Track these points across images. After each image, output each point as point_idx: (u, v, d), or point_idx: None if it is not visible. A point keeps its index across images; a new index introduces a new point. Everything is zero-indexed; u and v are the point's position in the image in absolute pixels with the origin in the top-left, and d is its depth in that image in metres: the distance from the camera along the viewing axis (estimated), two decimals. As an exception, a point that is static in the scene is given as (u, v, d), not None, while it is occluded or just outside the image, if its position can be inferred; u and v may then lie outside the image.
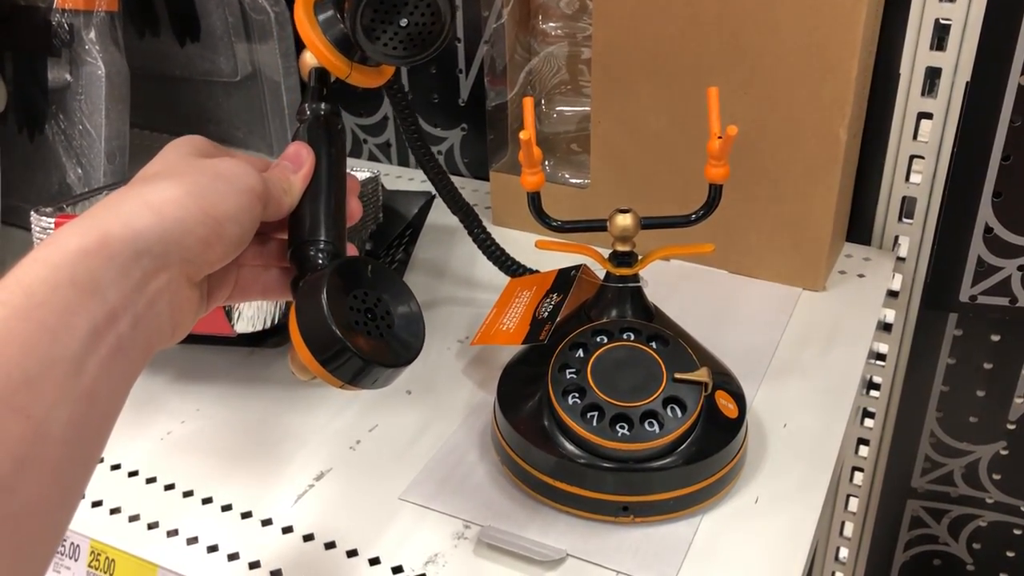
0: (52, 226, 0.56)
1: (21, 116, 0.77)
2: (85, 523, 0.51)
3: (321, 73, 0.46)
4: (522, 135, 0.50)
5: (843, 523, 0.94)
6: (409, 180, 0.94)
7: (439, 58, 0.89)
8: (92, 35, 0.72)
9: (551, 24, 0.77)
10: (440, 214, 0.85)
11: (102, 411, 0.33)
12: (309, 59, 0.46)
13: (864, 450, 0.88)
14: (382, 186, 0.73)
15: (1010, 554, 0.87)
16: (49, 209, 0.58)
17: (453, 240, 0.80)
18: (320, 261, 0.41)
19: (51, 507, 0.31)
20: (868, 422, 0.86)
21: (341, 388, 0.39)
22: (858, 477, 0.90)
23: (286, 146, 0.44)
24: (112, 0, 0.73)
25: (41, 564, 0.31)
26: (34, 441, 0.30)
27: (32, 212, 0.57)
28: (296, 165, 0.43)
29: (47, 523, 0.31)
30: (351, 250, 0.43)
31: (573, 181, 0.78)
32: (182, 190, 0.36)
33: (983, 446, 0.83)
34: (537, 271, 0.65)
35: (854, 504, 0.92)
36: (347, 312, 0.38)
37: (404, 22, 0.43)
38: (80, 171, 0.75)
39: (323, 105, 0.46)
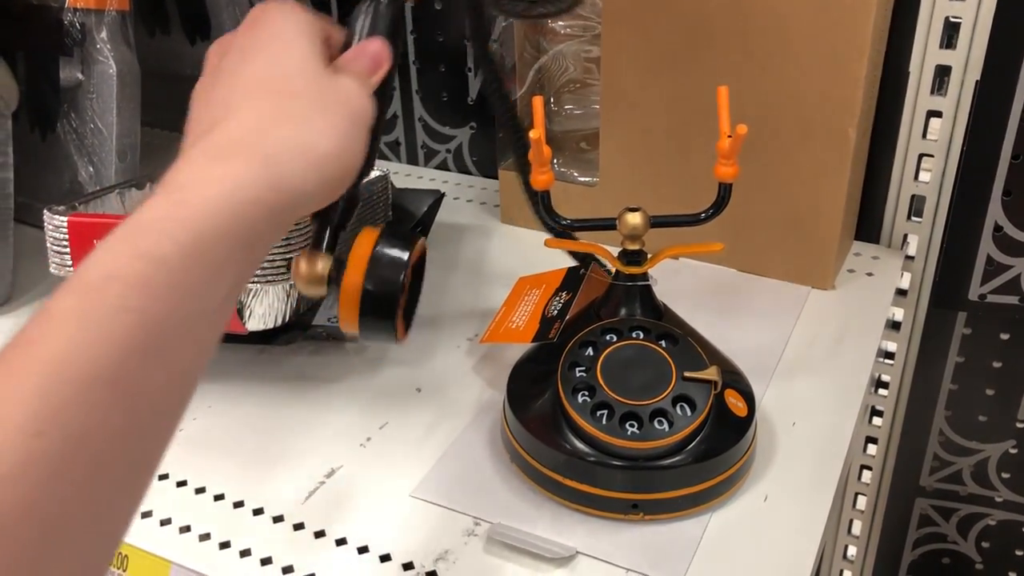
0: (64, 225, 0.56)
1: (33, 115, 0.77)
2: (98, 519, 0.51)
3: None
4: (532, 134, 0.50)
5: (851, 521, 0.94)
6: (418, 178, 0.94)
7: (448, 57, 0.89)
8: (104, 34, 0.72)
9: (560, 23, 0.77)
10: (449, 212, 0.85)
11: (207, 362, 0.33)
12: None
13: (872, 448, 0.88)
14: (391, 184, 0.73)
15: (1019, 553, 0.87)
16: (62, 208, 0.58)
17: (462, 238, 0.81)
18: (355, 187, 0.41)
19: (160, 454, 0.31)
20: (876, 420, 0.86)
21: (341, 327, 0.41)
22: (866, 475, 0.90)
23: (368, 41, 0.41)
24: (123, -1, 0.73)
25: (141, 501, 0.31)
26: (169, 392, 0.30)
27: (45, 211, 0.57)
28: (374, 67, 0.40)
29: (154, 469, 0.31)
30: None
31: (582, 179, 0.78)
32: (338, 143, 0.35)
33: (992, 445, 0.82)
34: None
35: (862, 502, 0.92)
36: (407, 282, 0.41)
37: None
38: (92, 169, 0.75)
39: None
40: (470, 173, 0.95)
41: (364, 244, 0.40)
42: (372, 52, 0.40)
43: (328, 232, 0.41)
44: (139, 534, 0.50)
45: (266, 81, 0.36)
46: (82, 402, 0.26)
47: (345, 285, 0.39)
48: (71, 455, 0.26)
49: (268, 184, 0.33)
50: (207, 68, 0.40)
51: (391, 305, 0.40)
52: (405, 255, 0.40)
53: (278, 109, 0.35)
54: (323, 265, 0.40)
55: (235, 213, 0.31)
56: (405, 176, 0.94)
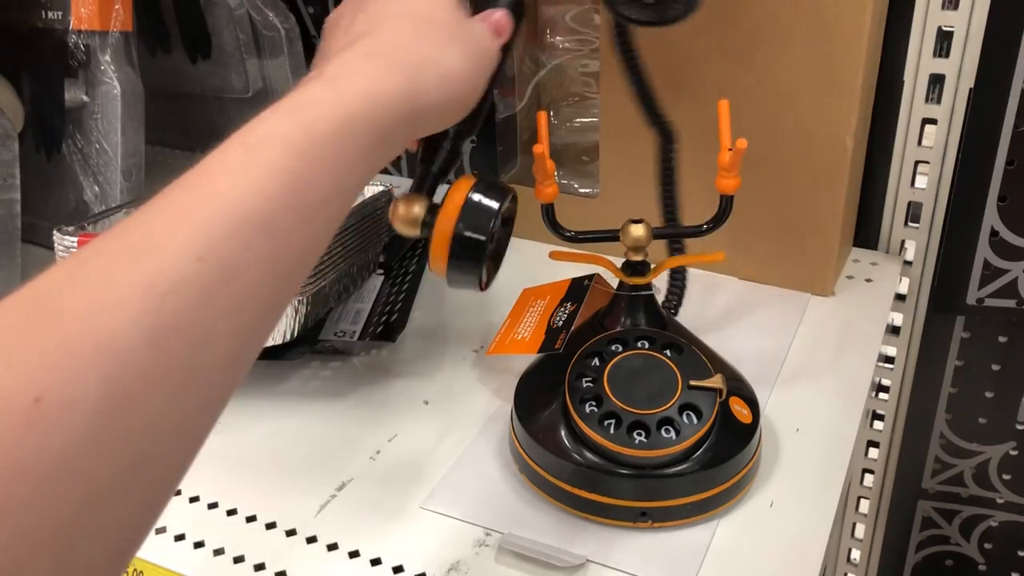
0: (75, 245, 0.57)
1: (39, 135, 0.78)
2: (113, 536, 0.51)
3: None
4: (536, 149, 0.51)
5: (854, 525, 0.94)
6: (419, 192, 0.95)
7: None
8: (108, 56, 0.73)
9: (559, 37, 0.78)
10: (451, 225, 0.86)
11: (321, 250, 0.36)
12: None
13: (874, 452, 0.89)
14: (394, 198, 0.74)
15: (1022, 553, 0.88)
16: (71, 228, 0.59)
17: (465, 251, 0.81)
18: (451, 132, 0.45)
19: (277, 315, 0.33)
20: (878, 424, 0.87)
21: (429, 266, 0.44)
22: (868, 479, 0.91)
23: (494, 10, 0.44)
24: (127, 20, 0.74)
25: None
26: (303, 254, 0.32)
27: (55, 231, 0.58)
28: (497, 31, 0.43)
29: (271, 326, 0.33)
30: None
31: (583, 191, 0.79)
32: (468, 68, 0.38)
33: (992, 446, 0.83)
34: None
35: (865, 506, 0.92)
36: (492, 237, 0.43)
37: None
38: (97, 189, 0.76)
39: None
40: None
41: (459, 191, 0.42)
42: (496, 18, 0.44)
43: (429, 177, 0.44)
44: (153, 550, 0.51)
45: (409, 7, 0.40)
46: (238, 239, 0.29)
47: (437, 228, 0.42)
48: (224, 283, 0.29)
49: (408, 88, 0.36)
50: (338, 19, 0.44)
51: (479, 252, 0.42)
52: (496, 204, 0.42)
53: (419, 31, 0.39)
54: (420, 208, 0.43)
55: (378, 107, 0.35)
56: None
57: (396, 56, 0.37)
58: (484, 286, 0.45)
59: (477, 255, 0.42)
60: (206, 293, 0.28)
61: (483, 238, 0.42)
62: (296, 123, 0.33)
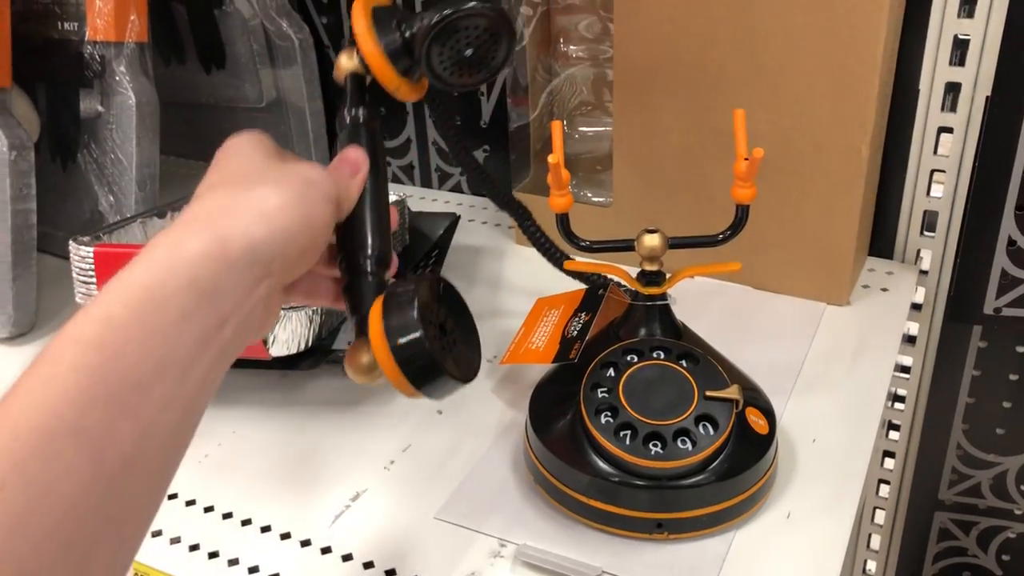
0: (91, 255, 0.57)
1: (54, 145, 0.79)
2: (128, 546, 0.51)
3: (357, 79, 0.46)
4: (551, 159, 0.51)
5: (870, 536, 0.94)
6: (433, 201, 0.95)
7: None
8: (123, 66, 0.73)
9: (572, 47, 0.78)
10: (464, 234, 0.86)
11: (197, 414, 0.34)
12: (345, 63, 0.46)
13: (890, 463, 0.88)
14: (408, 208, 0.74)
15: (1040, 565, 0.87)
16: (87, 238, 0.59)
17: (479, 260, 0.81)
18: (370, 269, 0.42)
19: (147, 507, 0.32)
20: (894, 434, 0.87)
21: (400, 389, 0.40)
22: (884, 490, 0.90)
23: (342, 149, 0.44)
24: (142, 31, 0.75)
25: (131, 555, 0.32)
26: (141, 442, 0.31)
27: (70, 241, 0.58)
28: (353, 170, 0.43)
29: (141, 522, 0.32)
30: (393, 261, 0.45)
31: (596, 200, 0.79)
32: (285, 198, 0.37)
33: (1010, 457, 0.82)
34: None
35: (881, 517, 0.92)
36: (430, 320, 0.40)
37: (469, 52, 0.44)
38: (112, 199, 0.76)
39: (363, 110, 0.46)
40: (484, 195, 0.95)
41: (375, 320, 0.40)
42: (350, 158, 0.43)
43: (359, 320, 0.42)
44: (167, 559, 0.50)
45: (224, 176, 0.39)
46: (44, 453, 0.28)
47: (378, 359, 0.39)
48: (37, 503, 0.28)
49: (213, 236, 0.34)
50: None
51: (425, 353, 0.39)
52: (412, 311, 0.39)
53: (228, 188, 0.38)
54: (367, 356, 0.41)
55: (183, 268, 0.33)
56: (420, 199, 0.95)
57: (199, 213, 0.36)
58: (466, 377, 0.42)
59: (426, 356, 0.39)
60: (18, 520, 0.27)
61: (418, 335, 0.39)
62: (89, 317, 0.32)
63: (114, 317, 0.32)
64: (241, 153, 0.40)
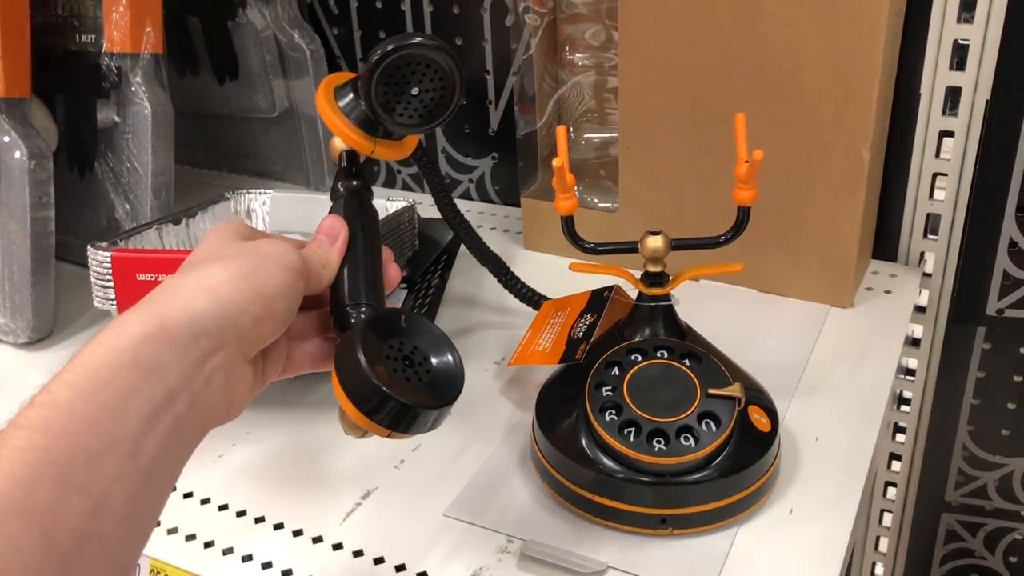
0: (108, 260, 0.58)
1: (72, 155, 0.80)
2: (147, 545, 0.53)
3: (350, 154, 0.48)
4: (555, 162, 0.52)
5: (878, 538, 0.94)
6: (441, 208, 0.96)
7: (470, 90, 0.92)
8: (138, 77, 0.75)
9: (578, 55, 0.79)
10: (473, 240, 0.87)
11: (157, 488, 0.35)
12: (338, 143, 0.48)
13: (897, 465, 0.89)
14: (417, 215, 0.75)
15: (1047, 567, 0.87)
16: (104, 244, 0.61)
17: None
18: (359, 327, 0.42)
19: None
20: (900, 437, 0.87)
21: (390, 437, 0.41)
22: (891, 492, 0.90)
23: (321, 221, 0.46)
24: (157, 43, 0.76)
25: None
26: (94, 518, 0.31)
27: (88, 247, 0.60)
28: (331, 238, 0.45)
29: None
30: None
31: (602, 205, 0.80)
32: (232, 271, 0.39)
33: (1016, 459, 0.83)
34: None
35: (888, 519, 0.92)
36: (384, 361, 0.40)
37: (415, 91, 0.45)
38: (128, 207, 0.78)
39: (353, 182, 0.48)
40: (492, 202, 0.97)
41: (335, 383, 0.40)
42: (326, 226, 0.46)
43: None
44: (183, 556, 0.52)
45: (190, 261, 0.41)
46: None
47: (349, 415, 0.40)
48: None
49: (151, 316, 0.36)
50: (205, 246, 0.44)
51: (381, 397, 0.39)
52: (360, 362, 0.39)
53: (184, 271, 0.40)
54: (350, 423, 0.41)
55: (125, 348, 0.34)
56: (429, 206, 0.96)
57: (154, 294, 0.38)
58: (444, 401, 0.41)
59: (393, 403, 0.39)
60: None
61: (382, 398, 0.39)
62: (36, 403, 0.32)
63: (60, 401, 0.32)
64: (210, 239, 0.42)
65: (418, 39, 0.45)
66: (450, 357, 0.43)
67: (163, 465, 0.35)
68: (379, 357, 0.40)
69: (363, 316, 0.43)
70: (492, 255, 0.68)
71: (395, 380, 0.40)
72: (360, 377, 0.39)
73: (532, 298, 0.68)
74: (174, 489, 0.56)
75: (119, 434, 0.33)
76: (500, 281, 0.69)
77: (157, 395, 0.34)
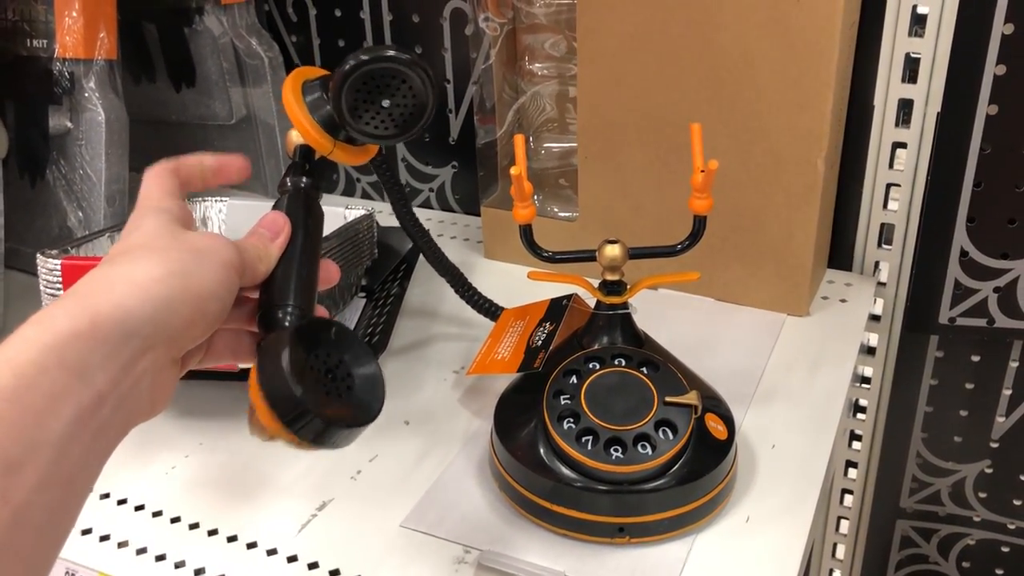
0: (58, 268, 0.57)
1: (23, 161, 0.79)
2: (94, 557, 0.52)
3: (305, 150, 0.47)
4: (513, 171, 0.52)
5: (835, 545, 0.95)
6: (401, 217, 0.96)
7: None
8: (92, 83, 0.74)
9: (537, 65, 0.80)
10: (433, 249, 0.87)
11: (77, 494, 0.33)
12: (295, 137, 0.47)
13: (853, 472, 0.90)
14: (376, 223, 0.75)
15: (999, 572, 0.88)
16: (55, 251, 0.59)
17: (446, 274, 0.82)
18: (286, 324, 0.41)
19: None
20: (856, 444, 0.88)
21: (299, 448, 0.39)
22: (848, 499, 0.92)
23: (264, 215, 0.45)
24: (111, 49, 0.75)
25: None
26: (12, 528, 0.30)
27: (38, 255, 0.58)
28: (273, 233, 0.43)
29: None
30: (320, 314, 0.44)
31: (561, 215, 0.80)
32: (166, 268, 0.36)
33: (968, 465, 0.84)
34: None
35: (845, 526, 0.93)
36: (308, 371, 0.39)
37: (386, 103, 0.45)
38: (81, 215, 0.77)
39: (304, 179, 0.47)
40: (453, 211, 0.97)
41: (253, 383, 0.39)
42: (268, 220, 0.44)
43: None
44: (135, 570, 0.51)
45: (120, 248, 0.39)
46: None
47: (269, 429, 0.38)
48: None
49: (82, 313, 0.34)
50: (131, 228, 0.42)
51: (314, 420, 0.38)
52: (284, 370, 0.38)
53: (115, 260, 0.37)
54: (261, 427, 0.40)
55: (52, 347, 0.32)
56: (389, 215, 0.96)
57: (84, 285, 0.36)
58: (363, 419, 0.41)
59: (302, 412, 0.38)
60: None
61: (297, 396, 0.37)
62: None
63: None
64: (143, 225, 0.40)
65: (397, 54, 0.44)
66: (373, 373, 0.42)
67: (85, 470, 0.33)
68: (303, 367, 0.39)
69: (291, 318, 0.42)
70: (450, 266, 0.68)
71: (317, 392, 0.39)
72: (282, 385, 0.38)
73: (490, 309, 0.68)
74: (107, 496, 0.55)
75: (43, 439, 0.31)
76: (458, 292, 0.69)
77: (84, 398, 0.33)
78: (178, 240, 0.39)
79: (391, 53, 0.44)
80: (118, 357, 0.34)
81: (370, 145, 0.49)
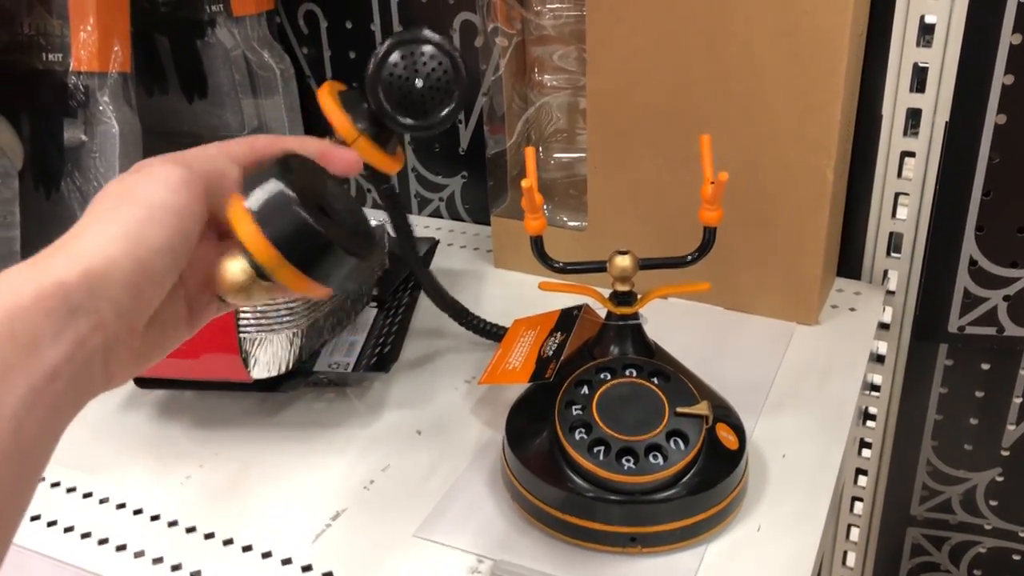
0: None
1: (38, 174, 0.80)
2: (112, 567, 0.52)
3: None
4: (524, 183, 0.53)
5: (845, 553, 0.95)
6: (412, 226, 0.96)
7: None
8: (106, 96, 0.75)
9: (547, 76, 0.80)
10: (444, 258, 0.87)
11: (33, 469, 0.32)
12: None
13: (863, 480, 0.90)
14: (388, 233, 0.75)
15: (1011, 580, 0.88)
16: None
17: (458, 283, 0.83)
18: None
19: None
20: (865, 452, 0.88)
21: (283, 290, 0.35)
22: (858, 507, 0.92)
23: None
24: (125, 62, 0.76)
25: None
26: None
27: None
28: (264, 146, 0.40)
29: None
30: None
31: (571, 224, 0.80)
32: (107, 233, 0.34)
33: (979, 473, 0.84)
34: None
35: (855, 534, 0.93)
36: (303, 190, 0.35)
37: (419, 84, 0.44)
38: (95, 226, 0.77)
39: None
40: (463, 220, 0.97)
41: (236, 212, 0.34)
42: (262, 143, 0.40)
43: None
44: (151, 580, 0.51)
45: (85, 217, 0.36)
46: None
47: (256, 257, 0.34)
48: None
49: (27, 283, 0.32)
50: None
51: (315, 239, 0.34)
52: (274, 175, 0.34)
53: (75, 229, 0.35)
54: (237, 262, 0.36)
55: (5, 319, 0.31)
56: (399, 225, 0.97)
57: (39, 255, 0.33)
58: (361, 251, 0.37)
59: (304, 230, 0.33)
60: None
61: (297, 212, 0.33)
62: None
63: None
64: (108, 191, 0.37)
65: (429, 33, 0.43)
66: (365, 216, 0.39)
67: (41, 445, 0.32)
68: (297, 185, 0.35)
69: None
70: (451, 301, 0.68)
71: (312, 211, 0.35)
72: (276, 197, 0.33)
73: (495, 332, 0.69)
74: (124, 506, 0.56)
75: (1, 412, 0.30)
76: (462, 324, 0.69)
77: (37, 372, 0.31)
78: (135, 201, 0.35)
79: (436, 36, 0.43)
80: (65, 334, 0.32)
81: (389, 159, 0.48)
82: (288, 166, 0.36)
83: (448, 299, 0.68)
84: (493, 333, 0.69)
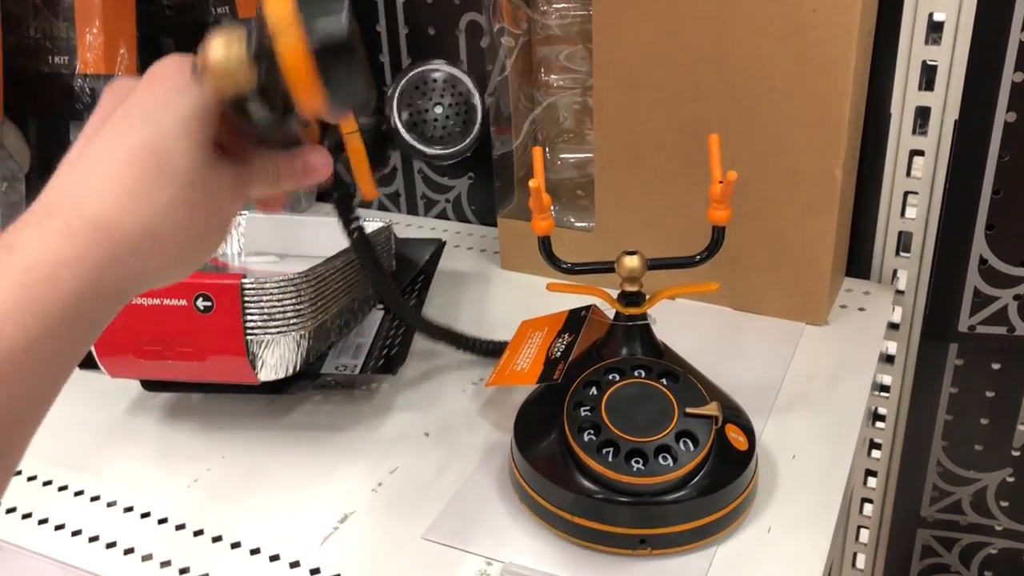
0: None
1: (45, 178, 0.79)
2: (119, 571, 0.52)
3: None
4: (531, 183, 0.53)
5: (855, 555, 0.94)
6: (419, 228, 0.96)
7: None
8: (113, 98, 0.75)
9: (553, 76, 0.80)
10: (450, 260, 0.87)
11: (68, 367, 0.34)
12: None
13: (872, 481, 0.89)
14: (394, 235, 0.75)
15: (1022, 581, 0.88)
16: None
17: (464, 285, 0.82)
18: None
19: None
20: (875, 453, 0.88)
21: (296, 83, 0.32)
22: (868, 508, 0.91)
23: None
24: (131, 64, 0.76)
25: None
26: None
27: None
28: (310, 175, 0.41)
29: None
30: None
31: (579, 225, 0.80)
32: (118, 200, 0.34)
33: (989, 473, 0.84)
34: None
35: (865, 535, 0.93)
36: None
37: (439, 109, 0.43)
38: (102, 228, 0.77)
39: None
40: (469, 221, 0.97)
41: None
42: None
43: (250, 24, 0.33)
44: (159, 583, 0.51)
45: (140, 160, 0.35)
46: None
47: (284, 50, 0.31)
48: None
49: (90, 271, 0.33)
50: (100, 110, 0.38)
51: (351, 53, 0.31)
52: None
53: (142, 194, 0.35)
54: (236, 43, 0.32)
55: (82, 295, 0.32)
56: (406, 226, 0.97)
57: (60, 202, 0.35)
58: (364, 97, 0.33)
59: (352, 60, 0.31)
60: None
61: (347, 35, 0.30)
62: None
63: (13, 344, 0.30)
64: (171, 134, 0.36)
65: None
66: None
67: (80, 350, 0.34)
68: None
69: None
70: (443, 331, 0.67)
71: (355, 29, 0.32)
72: (339, 23, 0.31)
73: (495, 349, 0.68)
74: (131, 509, 0.55)
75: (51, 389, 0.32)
76: (460, 349, 0.68)
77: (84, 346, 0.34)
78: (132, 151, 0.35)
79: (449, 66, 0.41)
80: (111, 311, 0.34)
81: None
82: None
83: (439, 330, 0.66)
84: (494, 350, 0.68)
